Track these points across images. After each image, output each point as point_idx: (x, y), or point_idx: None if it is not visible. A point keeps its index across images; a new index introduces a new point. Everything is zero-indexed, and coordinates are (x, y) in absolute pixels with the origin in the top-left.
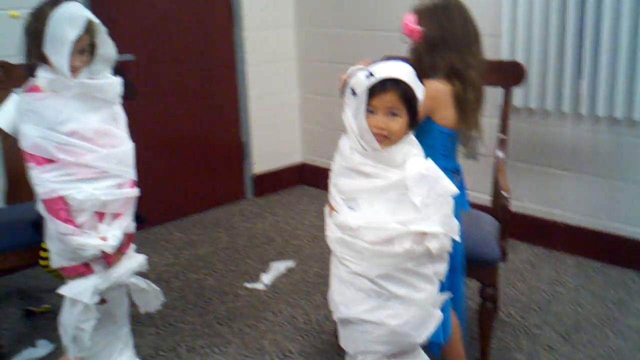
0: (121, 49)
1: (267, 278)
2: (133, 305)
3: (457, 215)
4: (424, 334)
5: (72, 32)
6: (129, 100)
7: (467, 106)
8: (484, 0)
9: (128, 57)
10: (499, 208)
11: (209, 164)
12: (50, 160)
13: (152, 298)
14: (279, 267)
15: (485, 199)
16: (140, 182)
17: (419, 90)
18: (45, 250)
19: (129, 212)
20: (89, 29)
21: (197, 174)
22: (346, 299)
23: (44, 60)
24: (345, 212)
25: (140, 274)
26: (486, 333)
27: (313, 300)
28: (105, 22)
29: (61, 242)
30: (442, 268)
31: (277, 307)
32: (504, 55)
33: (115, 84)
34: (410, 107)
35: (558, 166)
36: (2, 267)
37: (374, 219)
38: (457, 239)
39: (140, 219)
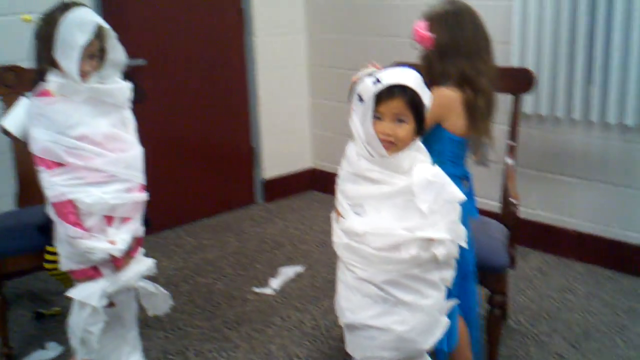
0: (132, 54)
1: (275, 283)
2: (141, 308)
3: (466, 222)
4: (431, 341)
5: (82, 37)
6: (138, 104)
7: (477, 113)
8: (494, 7)
9: (139, 61)
10: (508, 215)
11: (219, 169)
12: (59, 164)
13: (160, 302)
14: (287, 272)
15: (495, 205)
16: (151, 186)
17: (426, 96)
18: (50, 253)
19: (137, 216)
20: (99, 34)
21: (208, 179)
22: (352, 304)
23: (54, 64)
24: (352, 218)
25: (149, 277)
26: (494, 340)
27: (321, 306)
28: (116, 27)
29: (70, 245)
30: (448, 274)
31: (286, 312)
32: (515, 62)
33: (124, 89)
34: (417, 113)
35: (569, 173)
36: (13, 269)
37: (381, 225)
38: (464, 245)
39: (147, 223)
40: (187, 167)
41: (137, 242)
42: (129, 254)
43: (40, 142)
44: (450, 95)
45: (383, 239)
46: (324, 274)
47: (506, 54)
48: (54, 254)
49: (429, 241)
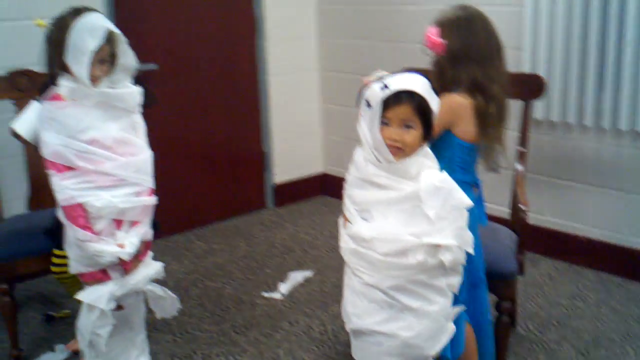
0: (144, 59)
1: (284, 288)
2: (150, 311)
3: (475, 228)
4: (436, 347)
5: (93, 43)
6: (148, 108)
7: (488, 120)
8: (506, 13)
9: (151, 66)
10: (517, 221)
11: (230, 173)
12: (70, 168)
13: (168, 305)
14: (296, 277)
15: (505, 212)
16: (162, 190)
17: (434, 102)
18: (57, 256)
19: (146, 220)
20: (110, 39)
21: (219, 183)
22: (359, 309)
23: (65, 69)
24: (359, 223)
25: (159, 281)
26: (502, 347)
27: (330, 311)
28: (129, 32)
29: (79, 248)
30: (455, 281)
31: (294, 316)
32: (526, 67)
33: (135, 93)
34: (425, 119)
35: (580, 180)
36: (23, 272)
37: (387, 230)
38: (471, 251)
39: (155, 226)
40: (198, 171)
41: (146, 246)
42: (137, 258)
43: (51, 146)
44: (460, 101)
45: (390, 245)
46: (333, 280)
47: (517, 59)
48: (61, 257)
49: (436, 247)
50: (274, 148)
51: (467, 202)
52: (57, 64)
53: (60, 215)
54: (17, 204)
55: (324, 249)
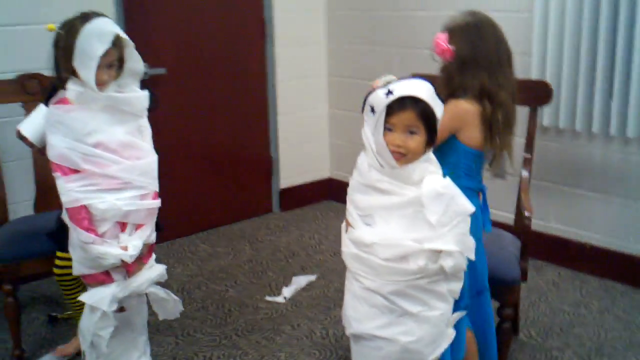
0: (153, 63)
1: (287, 292)
2: (152, 313)
3: (478, 235)
4: (436, 352)
5: (100, 47)
6: (150, 112)
7: (495, 127)
8: (515, 19)
9: (159, 70)
10: (521, 228)
11: (237, 177)
12: (76, 171)
13: (171, 307)
14: (300, 281)
15: (510, 218)
16: (169, 193)
17: (438, 108)
18: (60, 259)
19: (150, 223)
20: (117, 43)
21: (225, 187)
22: (359, 314)
23: (73, 73)
24: (361, 228)
25: (163, 283)
26: (504, 354)
27: (332, 315)
28: (137, 36)
29: (83, 250)
30: (456, 286)
31: (296, 320)
32: (534, 73)
33: (142, 98)
34: (429, 125)
35: (586, 187)
36: (26, 273)
37: (389, 235)
38: (472, 257)
39: (158, 227)
40: (205, 175)
41: (149, 249)
42: (140, 260)
43: (58, 148)
44: (467, 107)
45: (391, 250)
46: (336, 284)
47: (526, 65)
48: (64, 259)
49: (437, 253)
50: (281, 153)
51: (470, 208)
52: (65, 68)
53: (65, 217)
54: (24, 206)
55: (328, 253)
